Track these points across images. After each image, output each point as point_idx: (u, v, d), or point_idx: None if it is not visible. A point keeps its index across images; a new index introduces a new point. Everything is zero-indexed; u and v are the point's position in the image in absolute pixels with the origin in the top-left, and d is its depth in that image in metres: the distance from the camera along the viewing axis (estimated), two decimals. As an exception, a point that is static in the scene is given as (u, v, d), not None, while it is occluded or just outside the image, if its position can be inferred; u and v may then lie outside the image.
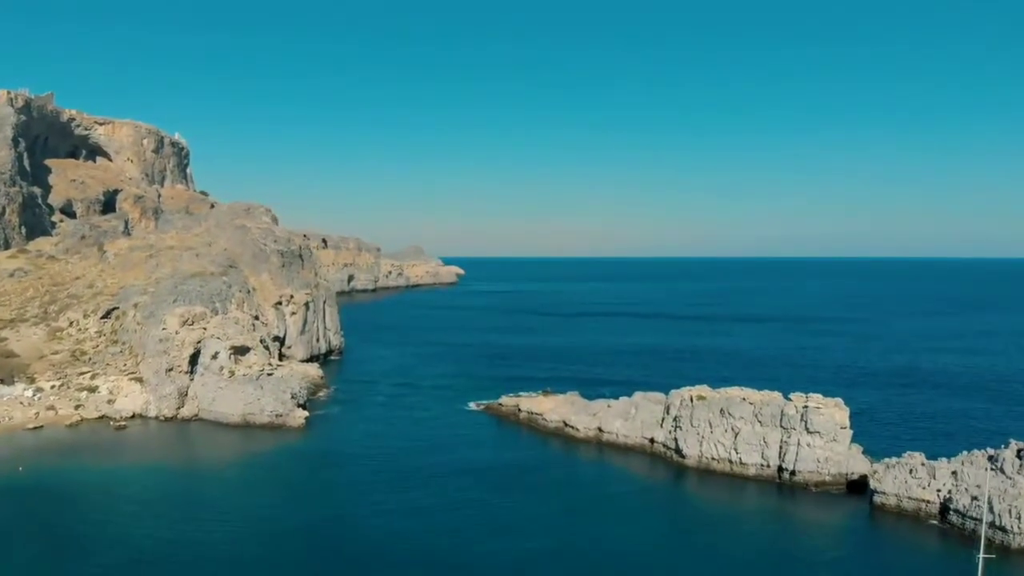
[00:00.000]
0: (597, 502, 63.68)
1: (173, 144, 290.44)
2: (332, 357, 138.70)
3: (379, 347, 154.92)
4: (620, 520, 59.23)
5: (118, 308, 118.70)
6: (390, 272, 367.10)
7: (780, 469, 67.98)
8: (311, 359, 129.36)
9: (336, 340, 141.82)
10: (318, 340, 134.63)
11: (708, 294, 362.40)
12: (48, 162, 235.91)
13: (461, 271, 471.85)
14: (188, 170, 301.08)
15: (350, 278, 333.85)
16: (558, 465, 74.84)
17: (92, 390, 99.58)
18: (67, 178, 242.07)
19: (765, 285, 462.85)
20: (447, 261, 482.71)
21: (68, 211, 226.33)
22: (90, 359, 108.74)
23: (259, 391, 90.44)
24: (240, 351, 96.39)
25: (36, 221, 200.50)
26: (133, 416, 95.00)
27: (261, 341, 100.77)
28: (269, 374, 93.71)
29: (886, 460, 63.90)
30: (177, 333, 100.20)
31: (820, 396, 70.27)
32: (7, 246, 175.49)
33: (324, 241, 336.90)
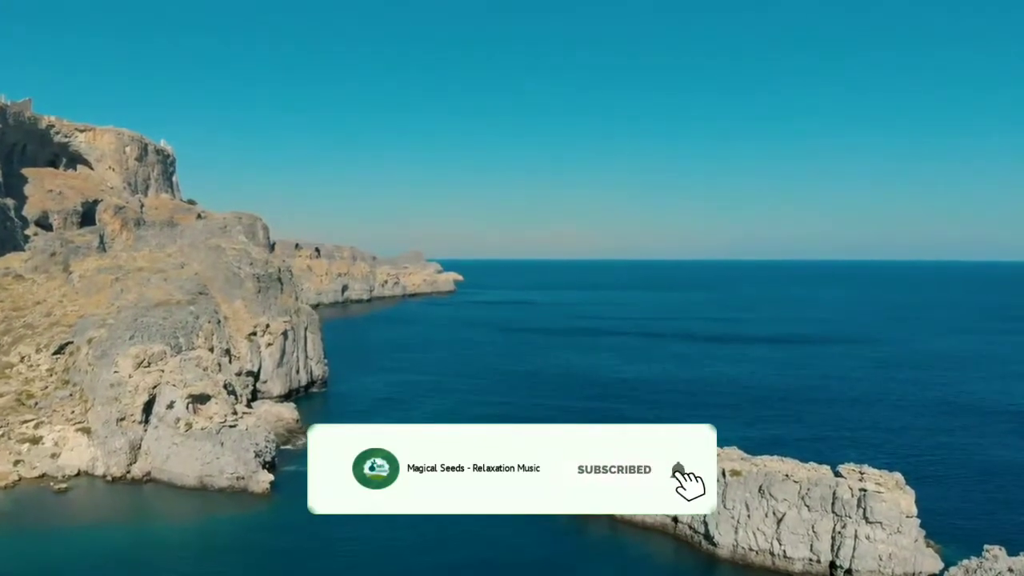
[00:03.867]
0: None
1: (158, 151, 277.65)
2: (314, 389, 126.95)
3: (367, 375, 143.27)
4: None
5: (72, 342, 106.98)
6: (386, 281, 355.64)
7: (833, 565, 56.30)
8: (289, 394, 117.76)
9: (319, 370, 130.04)
10: (297, 372, 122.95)
11: (719, 306, 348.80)
12: (25, 171, 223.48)
13: (460, 277, 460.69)
14: (174, 178, 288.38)
15: (344, 288, 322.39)
16: (559, 549, 63.19)
17: (35, 441, 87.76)
18: (44, 188, 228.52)
19: (779, 294, 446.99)
20: (445, 264, 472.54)
21: (44, 223, 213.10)
22: (36, 404, 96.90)
23: (218, 448, 78.70)
24: (200, 399, 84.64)
25: (8, 235, 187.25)
26: (78, 474, 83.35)
27: (225, 386, 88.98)
28: (232, 426, 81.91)
29: (964, 563, 52.18)
30: (131, 377, 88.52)
31: (876, 472, 58.61)
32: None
33: (317, 250, 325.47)
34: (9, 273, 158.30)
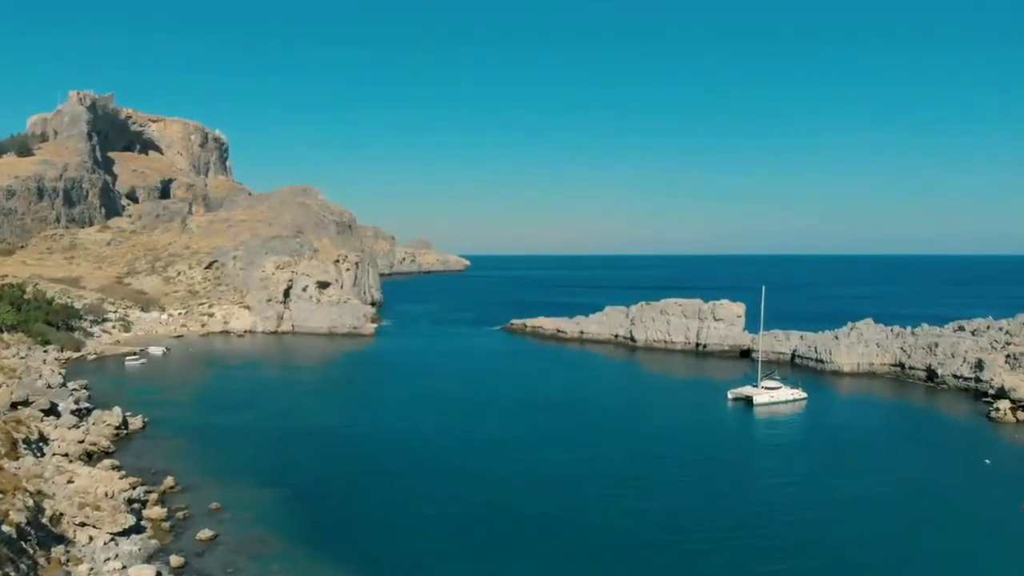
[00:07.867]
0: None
1: (215, 139, 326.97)
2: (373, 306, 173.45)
3: (408, 304, 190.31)
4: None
5: (217, 261, 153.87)
6: (404, 259, 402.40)
7: None
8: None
9: (377, 295, 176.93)
10: (365, 292, 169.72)
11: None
12: (111, 154, 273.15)
13: (467, 263, 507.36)
14: (228, 163, 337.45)
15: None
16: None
17: (210, 315, 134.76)
18: (129, 168, 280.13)
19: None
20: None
21: (132, 196, 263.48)
22: (202, 296, 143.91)
23: (340, 310, 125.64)
24: (322, 285, 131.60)
25: (111, 204, 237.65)
26: (244, 334, 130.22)
27: (336, 280, 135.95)
28: (345, 301, 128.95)
29: None
30: (273, 274, 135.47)
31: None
32: (91, 224, 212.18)
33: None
34: (124, 230, 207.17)
